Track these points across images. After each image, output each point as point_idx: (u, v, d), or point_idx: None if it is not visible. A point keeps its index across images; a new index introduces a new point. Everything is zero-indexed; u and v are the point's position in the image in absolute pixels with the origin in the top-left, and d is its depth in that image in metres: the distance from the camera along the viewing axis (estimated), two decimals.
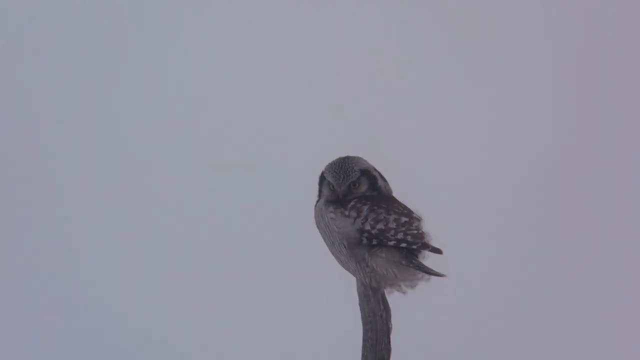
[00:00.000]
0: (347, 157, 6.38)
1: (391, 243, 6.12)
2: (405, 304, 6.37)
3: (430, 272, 6.12)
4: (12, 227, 9.16)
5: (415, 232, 6.14)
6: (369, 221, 6.17)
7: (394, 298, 6.29)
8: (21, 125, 9.30)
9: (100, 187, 9.25)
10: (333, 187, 6.34)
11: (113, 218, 9.19)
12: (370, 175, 6.36)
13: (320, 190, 6.42)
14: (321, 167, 6.40)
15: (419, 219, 6.24)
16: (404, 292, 6.27)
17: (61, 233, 9.17)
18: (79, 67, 9.38)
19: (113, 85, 9.37)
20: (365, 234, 6.15)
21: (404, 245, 6.11)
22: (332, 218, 6.25)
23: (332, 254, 6.30)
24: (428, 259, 6.15)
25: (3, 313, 9.05)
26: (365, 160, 6.40)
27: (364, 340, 6.30)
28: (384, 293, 6.29)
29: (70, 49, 9.38)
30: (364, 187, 6.35)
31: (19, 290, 9.07)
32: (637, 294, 8.89)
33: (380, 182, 6.38)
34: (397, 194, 6.38)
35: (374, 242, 6.13)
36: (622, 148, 9.09)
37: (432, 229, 6.20)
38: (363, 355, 6.29)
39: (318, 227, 6.36)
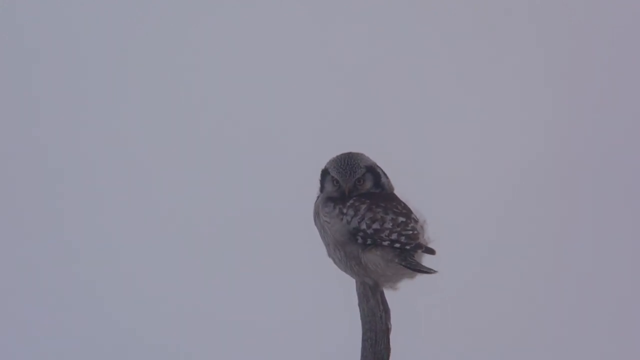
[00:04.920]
0: (352, 154, 6.34)
1: (385, 243, 6.09)
2: (404, 304, 6.38)
3: (421, 270, 6.09)
4: (12, 227, 9.17)
5: (410, 232, 6.10)
6: (365, 220, 6.13)
7: (392, 298, 6.30)
8: (23, 126, 9.32)
9: (101, 188, 9.27)
10: (337, 183, 6.31)
11: (113, 219, 9.20)
12: (374, 172, 6.34)
13: (322, 186, 6.39)
14: (320, 166, 6.37)
15: (416, 220, 6.21)
16: (401, 286, 6.27)
17: (62, 234, 9.19)
18: (81, 68, 9.40)
19: (114, 87, 9.40)
20: (360, 233, 6.12)
21: (397, 245, 6.08)
22: (326, 221, 6.23)
23: (328, 253, 6.28)
24: (425, 259, 6.16)
25: (3, 313, 9.07)
26: (368, 157, 6.37)
27: (363, 340, 6.28)
28: (383, 293, 6.29)
29: (72, 50, 9.41)
30: (368, 184, 6.31)
31: (19, 291, 9.08)
32: (636, 294, 8.91)
33: (383, 179, 6.36)
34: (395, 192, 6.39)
35: (369, 242, 6.12)
36: (621, 148, 9.12)
37: (431, 228, 6.21)
38: (362, 355, 6.28)
39: (315, 225, 6.34)
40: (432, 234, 6.22)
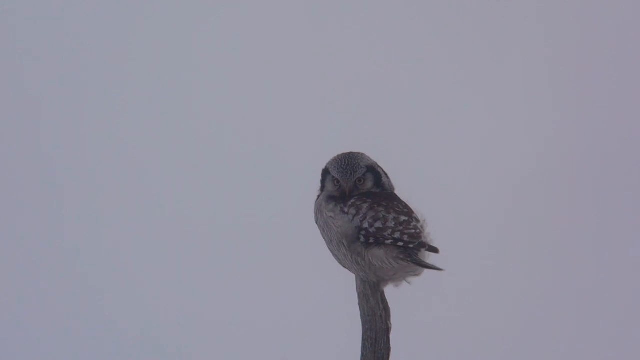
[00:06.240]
0: (352, 153, 6.34)
1: (388, 242, 6.09)
2: (404, 304, 6.38)
3: (427, 266, 6.09)
4: (10, 228, 9.16)
5: (413, 231, 6.10)
6: (367, 219, 6.13)
7: (392, 297, 6.29)
8: (21, 126, 9.32)
9: (100, 189, 9.26)
10: (338, 182, 6.30)
11: (113, 220, 9.20)
12: (375, 172, 6.34)
13: (322, 185, 6.38)
14: (320, 166, 6.36)
15: (417, 220, 6.21)
16: (406, 283, 6.27)
17: (62, 234, 9.18)
18: (80, 68, 9.40)
19: (114, 86, 9.39)
20: (363, 232, 6.12)
21: (400, 244, 6.08)
22: (331, 217, 6.22)
23: (330, 250, 6.28)
24: (428, 258, 6.17)
25: (3, 314, 9.06)
26: (368, 157, 6.37)
27: (363, 340, 6.28)
28: (383, 293, 6.29)
29: (71, 50, 9.40)
30: (369, 184, 6.31)
31: (17, 291, 9.08)
32: (636, 294, 8.91)
33: (384, 178, 6.35)
34: (396, 192, 6.38)
35: (371, 241, 6.12)
36: (621, 149, 9.12)
37: (432, 227, 6.21)
38: (362, 354, 6.27)
39: (317, 223, 6.33)
40: (432, 234, 6.23)
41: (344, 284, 6.41)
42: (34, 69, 9.37)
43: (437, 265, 6.12)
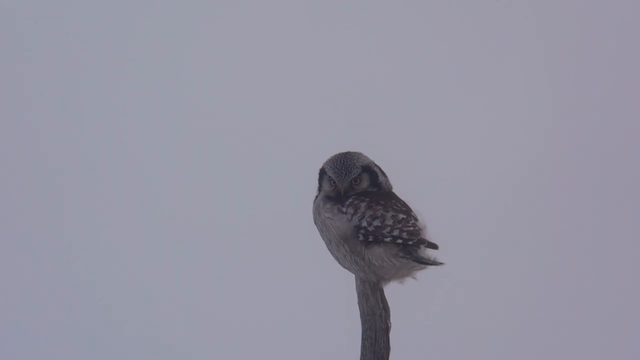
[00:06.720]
0: (348, 153, 6.33)
1: (387, 239, 6.09)
2: (404, 303, 6.38)
3: (428, 262, 6.10)
4: (9, 227, 9.17)
5: (412, 228, 6.11)
6: (365, 218, 6.13)
7: (392, 296, 6.29)
8: (21, 126, 9.32)
9: (99, 188, 9.27)
10: (334, 182, 6.30)
11: (112, 220, 9.20)
12: (371, 171, 6.32)
13: (320, 185, 6.37)
14: (319, 165, 6.36)
15: (416, 218, 6.20)
16: (403, 282, 6.27)
17: (62, 234, 9.19)
18: (80, 68, 9.40)
19: (113, 86, 9.40)
20: (362, 231, 6.12)
21: (400, 241, 6.09)
22: (329, 217, 6.24)
23: (329, 250, 6.28)
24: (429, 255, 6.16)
25: (2, 313, 9.07)
26: (365, 156, 6.36)
27: (363, 339, 6.28)
28: (382, 292, 6.29)
29: (71, 49, 9.41)
30: (365, 184, 6.31)
31: (16, 291, 9.08)
32: (635, 293, 8.91)
33: (380, 177, 6.34)
34: (395, 191, 6.37)
35: (370, 239, 6.12)
36: (620, 148, 9.12)
37: (431, 225, 6.21)
38: (362, 353, 6.28)
39: (315, 224, 6.33)
40: (431, 231, 6.22)
41: (343, 284, 6.41)
42: (33, 68, 9.38)
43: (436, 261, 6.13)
